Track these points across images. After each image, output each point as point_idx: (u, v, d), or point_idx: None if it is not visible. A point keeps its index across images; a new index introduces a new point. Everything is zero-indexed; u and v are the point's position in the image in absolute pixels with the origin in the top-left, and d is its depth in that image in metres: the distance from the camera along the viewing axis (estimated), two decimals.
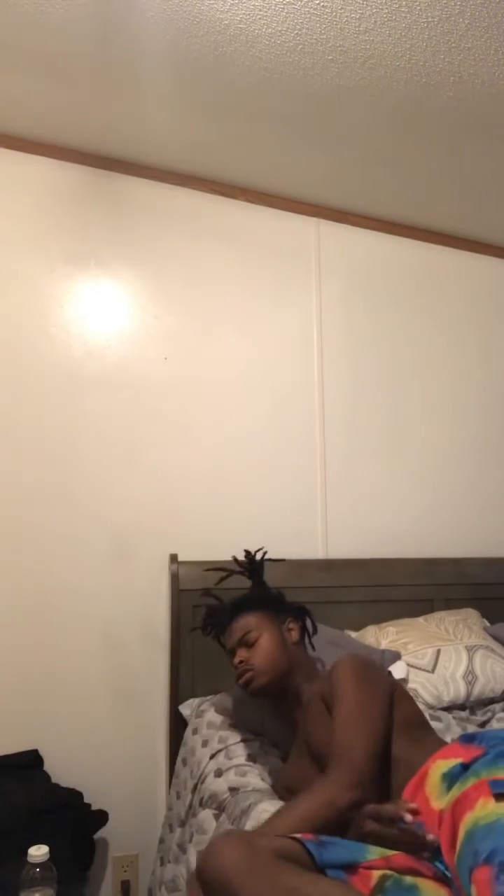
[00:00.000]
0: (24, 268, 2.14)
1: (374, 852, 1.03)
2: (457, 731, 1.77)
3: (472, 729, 1.81)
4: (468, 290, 2.84)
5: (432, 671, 1.96)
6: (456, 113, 2.06)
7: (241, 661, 1.55)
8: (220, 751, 1.66)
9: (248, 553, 1.81)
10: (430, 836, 1.03)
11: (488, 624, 2.34)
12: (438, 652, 2.02)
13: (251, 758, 1.62)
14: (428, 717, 1.77)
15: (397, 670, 1.93)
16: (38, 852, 1.20)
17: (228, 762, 1.60)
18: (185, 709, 1.96)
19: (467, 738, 1.23)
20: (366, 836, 1.07)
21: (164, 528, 2.16)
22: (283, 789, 1.45)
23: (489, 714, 1.95)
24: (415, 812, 1.05)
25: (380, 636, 2.11)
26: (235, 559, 1.81)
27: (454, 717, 1.88)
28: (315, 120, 2.10)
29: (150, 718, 2.06)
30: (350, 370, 2.55)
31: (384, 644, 2.07)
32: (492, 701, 2.00)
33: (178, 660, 2.04)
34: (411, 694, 1.89)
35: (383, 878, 0.98)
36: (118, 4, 1.68)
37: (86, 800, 1.83)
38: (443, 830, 1.04)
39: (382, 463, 2.55)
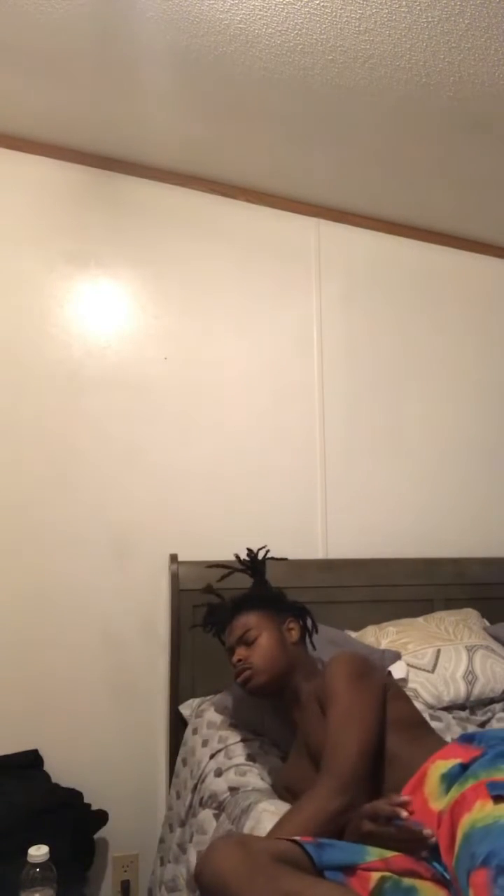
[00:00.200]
0: (24, 268, 2.14)
1: (373, 854, 1.03)
2: (457, 731, 1.77)
3: (472, 729, 1.81)
4: (468, 290, 2.84)
5: (432, 671, 1.96)
6: (456, 113, 2.06)
7: (239, 660, 1.55)
8: (219, 750, 1.66)
9: (250, 551, 1.80)
10: (427, 831, 1.03)
11: (488, 624, 2.34)
12: (438, 652, 2.02)
13: (251, 757, 1.62)
14: (428, 717, 1.78)
15: (397, 670, 1.93)
16: (38, 852, 1.20)
17: (228, 762, 1.60)
18: (185, 709, 1.96)
19: (466, 738, 1.23)
20: (364, 837, 1.07)
21: (164, 528, 2.16)
22: (283, 789, 1.45)
23: (489, 714, 1.95)
24: (405, 804, 1.05)
25: (380, 636, 2.11)
26: (238, 557, 1.80)
27: (454, 717, 1.88)
28: (315, 120, 2.10)
29: (150, 718, 2.06)
30: (350, 370, 2.55)
31: (384, 644, 2.06)
32: (492, 701, 2.00)
33: (178, 659, 2.04)
34: (411, 694, 1.89)
35: (382, 880, 0.98)
36: (118, 4, 1.68)
37: (86, 800, 1.83)
38: (441, 832, 1.04)
39: (382, 463, 2.55)
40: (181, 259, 2.35)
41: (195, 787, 1.64)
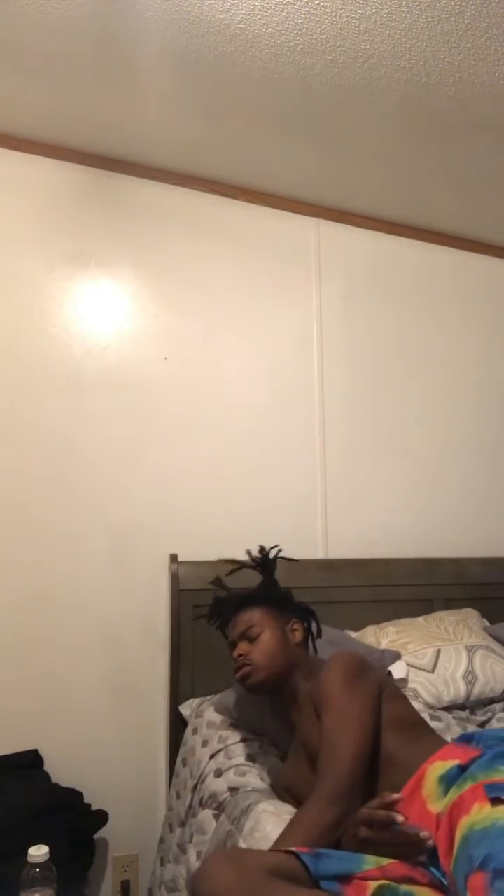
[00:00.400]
0: (24, 268, 2.14)
1: (370, 862, 1.02)
2: (457, 731, 1.77)
3: (472, 729, 1.81)
4: (467, 289, 2.84)
5: (432, 671, 1.96)
6: (456, 113, 2.06)
7: (240, 655, 1.55)
8: (219, 751, 1.66)
9: (262, 549, 1.80)
10: (425, 833, 1.02)
11: (488, 624, 2.34)
12: (438, 652, 2.02)
13: (251, 758, 1.62)
14: (428, 717, 1.78)
15: (397, 670, 1.93)
16: (38, 852, 1.20)
17: (228, 762, 1.60)
18: (185, 709, 1.96)
19: (465, 739, 1.23)
20: (361, 843, 1.07)
21: (164, 528, 2.16)
22: (282, 789, 1.45)
23: (489, 714, 1.95)
24: (396, 801, 1.05)
25: (380, 636, 2.11)
26: (249, 553, 1.79)
27: (454, 717, 1.88)
28: (315, 120, 2.10)
29: (150, 718, 2.06)
30: (350, 370, 2.55)
31: (384, 644, 2.07)
32: (492, 701, 2.00)
33: (178, 659, 2.04)
34: (411, 694, 1.89)
35: (380, 889, 0.98)
36: (118, 4, 1.68)
37: (86, 800, 1.83)
38: (440, 834, 1.04)
39: (382, 463, 2.55)
40: (181, 259, 2.35)
41: (195, 787, 1.64)
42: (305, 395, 2.46)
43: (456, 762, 1.13)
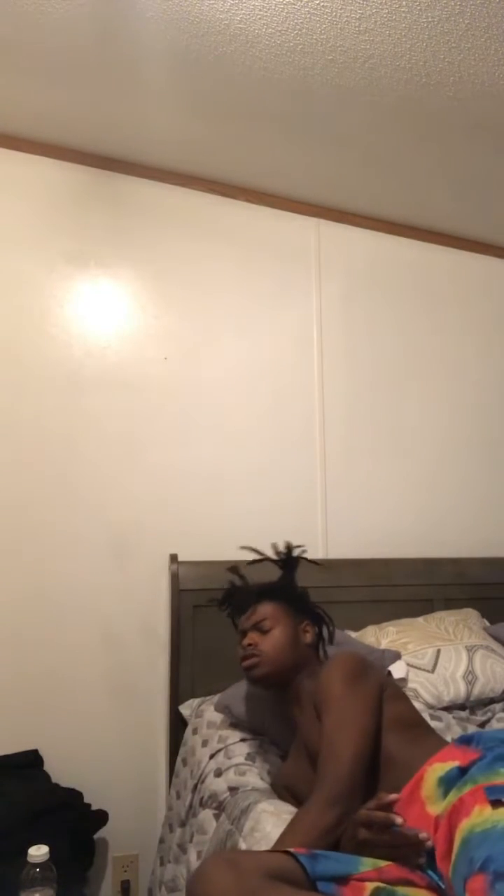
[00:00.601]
0: (24, 268, 2.14)
1: (367, 864, 1.02)
2: (457, 731, 1.77)
3: (472, 729, 1.81)
4: (467, 289, 2.84)
5: (432, 671, 1.96)
6: (456, 113, 2.06)
7: (250, 644, 1.55)
8: (219, 750, 1.66)
9: (288, 545, 1.80)
10: (423, 834, 1.02)
11: (488, 624, 2.34)
12: (438, 652, 2.02)
13: (250, 757, 1.62)
14: (428, 717, 1.78)
15: (397, 670, 1.93)
16: (38, 852, 1.20)
17: (228, 762, 1.60)
18: (185, 709, 1.96)
19: (464, 740, 1.22)
20: (359, 844, 1.06)
21: (164, 528, 2.16)
22: (282, 788, 1.45)
23: (489, 714, 1.95)
24: (393, 802, 1.05)
25: (380, 636, 2.11)
26: (275, 548, 1.79)
27: (454, 717, 1.88)
28: (315, 120, 2.10)
29: (150, 718, 2.06)
30: (350, 370, 2.55)
31: (384, 644, 2.07)
32: (492, 701, 2.00)
33: (178, 659, 2.04)
34: (411, 694, 1.89)
35: (376, 891, 0.97)
36: (118, 4, 1.68)
37: (86, 800, 1.83)
38: (438, 837, 1.03)
39: (382, 463, 2.55)
40: (181, 259, 2.35)
41: (195, 787, 1.64)
42: (305, 395, 2.46)
43: (455, 764, 1.13)
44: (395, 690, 1.41)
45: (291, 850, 1.03)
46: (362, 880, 0.99)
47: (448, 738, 1.54)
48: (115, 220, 2.28)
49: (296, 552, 1.77)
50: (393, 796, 1.06)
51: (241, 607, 1.67)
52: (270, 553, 1.77)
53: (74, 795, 1.80)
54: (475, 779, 1.06)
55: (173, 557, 2.12)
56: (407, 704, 1.40)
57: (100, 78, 1.93)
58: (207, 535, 2.19)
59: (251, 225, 2.48)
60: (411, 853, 1.03)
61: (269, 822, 1.26)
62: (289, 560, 1.77)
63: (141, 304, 2.28)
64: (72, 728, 1.96)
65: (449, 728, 1.78)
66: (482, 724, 1.91)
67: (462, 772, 1.10)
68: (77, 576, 2.04)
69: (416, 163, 2.33)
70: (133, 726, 2.04)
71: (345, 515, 2.44)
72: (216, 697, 1.86)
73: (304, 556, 1.79)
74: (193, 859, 1.47)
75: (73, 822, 1.71)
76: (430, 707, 1.90)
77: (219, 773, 1.58)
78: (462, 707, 1.96)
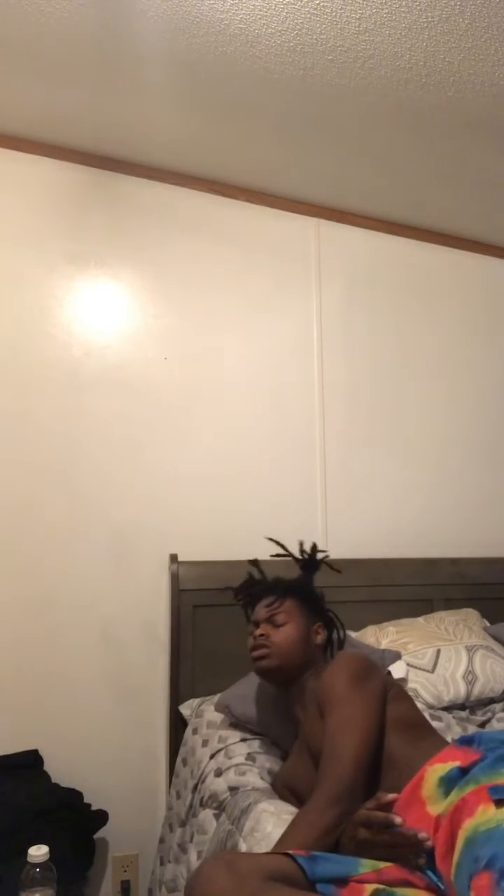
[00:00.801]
0: (24, 268, 2.14)
1: (366, 865, 1.02)
2: (457, 731, 1.77)
3: (472, 729, 1.81)
4: (467, 289, 2.84)
5: (432, 671, 1.96)
6: (456, 113, 2.06)
7: (261, 634, 1.56)
8: (219, 750, 1.66)
9: (314, 546, 1.81)
10: (423, 834, 1.02)
11: (488, 624, 2.34)
12: (438, 652, 2.02)
13: (251, 757, 1.62)
14: (428, 717, 1.78)
15: (397, 670, 1.93)
16: (38, 852, 1.20)
17: (228, 762, 1.60)
18: (185, 709, 1.96)
19: (465, 741, 1.22)
20: (359, 845, 1.06)
21: (164, 528, 2.16)
22: (283, 787, 1.45)
23: (489, 714, 1.95)
24: (392, 802, 1.05)
25: (380, 636, 2.11)
26: (301, 544, 1.80)
27: (454, 717, 1.88)
28: (315, 120, 2.10)
29: (151, 718, 2.06)
30: (349, 370, 2.56)
31: (384, 644, 2.07)
32: (492, 701, 2.00)
33: (178, 659, 2.04)
34: (411, 694, 1.89)
35: (375, 893, 0.97)
36: (118, 4, 1.68)
37: (86, 800, 1.83)
38: (439, 837, 1.03)
39: (382, 463, 2.55)
40: (181, 259, 2.35)
41: (195, 787, 1.64)
42: (305, 395, 2.46)
43: (456, 764, 1.13)
44: (398, 691, 1.41)
45: (290, 851, 1.03)
46: (361, 882, 0.99)
47: (448, 739, 1.54)
48: (116, 220, 2.28)
49: (319, 555, 1.79)
50: (392, 796, 1.06)
51: (257, 598, 1.68)
52: (295, 551, 1.79)
53: (74, 795, 1.80)
54: (478, 779, 1.06)
55: (173, 557, 2.12)
56: (410, 705, 1.40)
57: (100, 78, 1.93)
58: (207, 535, 2.20)
59: (251, 225, 2.48)
60: (411, 853, 1.03)
61: (270, 822, 1.26)
62: (311, 561, 1.78)
63: (141, 304, 2.28)
64: (72, 728, 1.96)
65: (449, 728, 1.78)
66: (482, 724, 1.91)
67: (463, 772, 1.10)
68: (77, 575, 2.04)
69: (416, 163, 2.33)
70: (133, 726, 2.04)
71: (344, 515, 2.44)
72: (216, 697, 1.86)
73: (328, 560, 1.80)
74: (194, 859, 1.47)
75: (73, 822, 1.71)
76: (430, 707, 1.90)
77: (219, 773, 1.58)
78: (462, 707, 1.96)
